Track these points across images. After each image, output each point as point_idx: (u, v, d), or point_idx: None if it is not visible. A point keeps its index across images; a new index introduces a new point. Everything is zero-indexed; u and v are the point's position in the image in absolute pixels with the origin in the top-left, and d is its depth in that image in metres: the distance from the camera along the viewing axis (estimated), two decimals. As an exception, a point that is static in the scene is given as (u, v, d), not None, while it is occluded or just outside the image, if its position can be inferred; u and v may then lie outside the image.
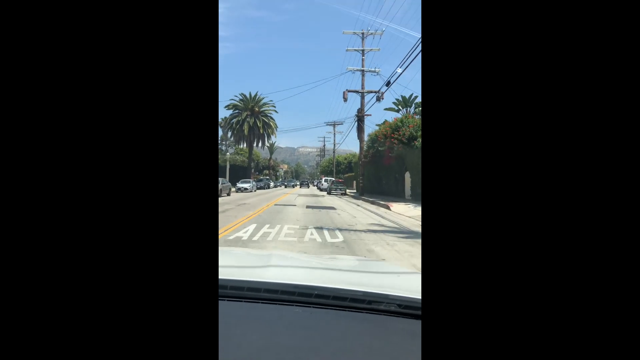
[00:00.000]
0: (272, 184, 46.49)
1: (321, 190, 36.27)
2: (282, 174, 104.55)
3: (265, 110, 44.35)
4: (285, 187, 50.27)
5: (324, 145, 66.73)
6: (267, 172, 61.97)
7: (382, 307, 0.92)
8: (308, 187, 52.72)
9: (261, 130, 43.44)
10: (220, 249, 1.93)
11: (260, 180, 39.80)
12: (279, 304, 0.94)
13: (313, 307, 0.92)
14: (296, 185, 58.72)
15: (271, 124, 44.79)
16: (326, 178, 40.08)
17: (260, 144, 45.34)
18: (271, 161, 74.76)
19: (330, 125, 43.72)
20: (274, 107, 45.41)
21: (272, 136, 45.76)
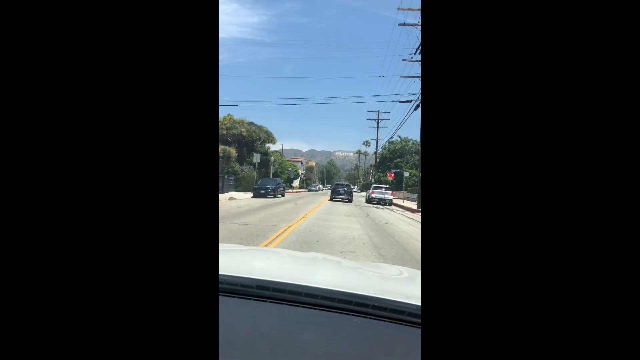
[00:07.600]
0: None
1: None
2: (300, 173, 71.31)
3: None
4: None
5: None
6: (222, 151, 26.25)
7: None
8: (350, 200, 23.42)
9: None
10: (270, 249, 3.54)
11: None
12: (338, 313, 0.95)
13: (370, 318, 0.94)
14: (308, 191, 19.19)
15: None
16: None
17: None
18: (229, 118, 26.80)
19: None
20: None
21: None
